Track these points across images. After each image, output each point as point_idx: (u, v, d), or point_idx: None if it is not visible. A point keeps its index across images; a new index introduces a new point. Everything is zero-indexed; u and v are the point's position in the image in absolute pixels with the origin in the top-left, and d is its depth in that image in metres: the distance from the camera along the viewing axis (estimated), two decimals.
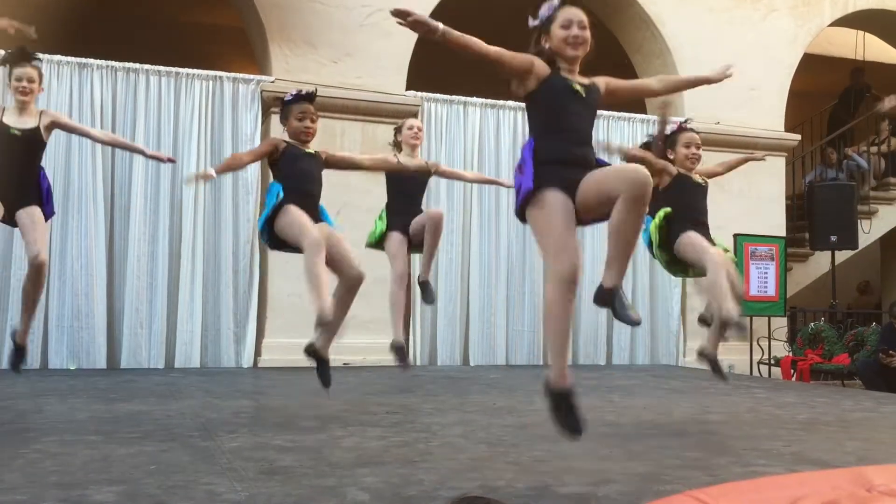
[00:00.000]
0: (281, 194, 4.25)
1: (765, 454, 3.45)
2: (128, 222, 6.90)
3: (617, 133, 8.37)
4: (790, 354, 8.41)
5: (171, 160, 5.62)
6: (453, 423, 4.17)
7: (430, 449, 3.46)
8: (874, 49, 11.27)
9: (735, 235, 8.19)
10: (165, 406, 4.57)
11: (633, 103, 8.96)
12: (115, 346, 6.85)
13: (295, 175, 4.32)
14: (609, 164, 3.26)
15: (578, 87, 3.17)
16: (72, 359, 6.67)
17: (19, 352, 4.86)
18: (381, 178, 5.65)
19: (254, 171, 7.07)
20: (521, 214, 3.18)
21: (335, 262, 4.30)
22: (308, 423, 4.05)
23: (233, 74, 7.39)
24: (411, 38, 7.84)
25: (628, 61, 9.13)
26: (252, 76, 7.45)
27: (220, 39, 10.47)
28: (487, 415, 4.47)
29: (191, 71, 7.18)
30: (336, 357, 7.11)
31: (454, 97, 7.92)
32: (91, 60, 6.90)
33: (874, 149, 10.92)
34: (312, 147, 4.49)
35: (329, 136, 7.42)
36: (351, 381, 6.02)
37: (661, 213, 4.43)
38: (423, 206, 5.56)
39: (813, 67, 10.16)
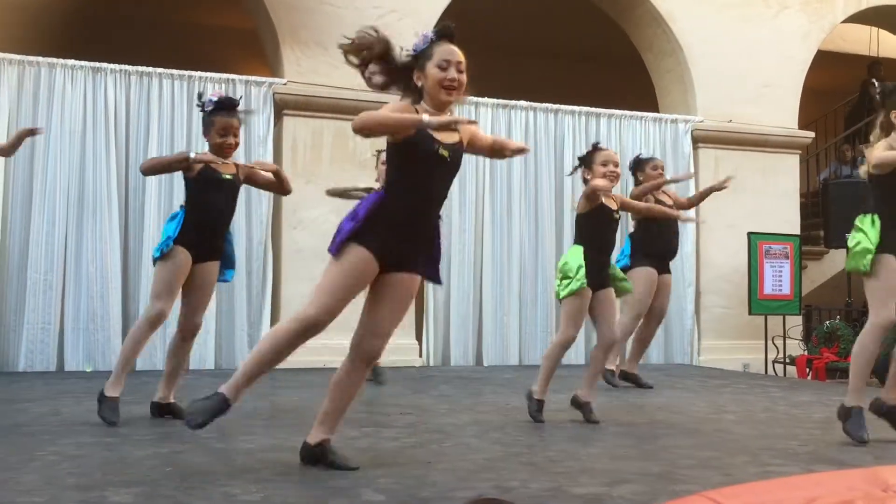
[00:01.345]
0: (176, 232, 3.97)
1: (780, 454, 3.44)
2: (142, 224, 6.93)
3: (629, 132, 8.34)
4: (805, 353, 8.35)
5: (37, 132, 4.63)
6: (467, 423, 4.18)
7: (444, 450, 3.47)
8: (888, 45, 11.20)
9: (749, 234, 8.16)
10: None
11: (647, 103, 8.97)
12: None
13: (201, 207, 4.00)
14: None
15: (444, 153, 3.01)
16: (88, 361, 6.70)
17: None
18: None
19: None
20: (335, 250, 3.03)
21: (189, 302, 4.15)
22: None
23: (245, 77, 7.41)
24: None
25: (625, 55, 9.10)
26: (264, 78, 7.48)
27: (231, 42, 10.50)
28: (501, 415, 4.47)
29: (203, 74, 7.21)
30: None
31: (465, 97, 7.88)
32: (105, 64, 6.93)
33: None
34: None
35: (342, 139, 7.44)
36: (364, 383, 6.02)
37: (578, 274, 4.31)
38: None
39: (827, 64, 10.10)
